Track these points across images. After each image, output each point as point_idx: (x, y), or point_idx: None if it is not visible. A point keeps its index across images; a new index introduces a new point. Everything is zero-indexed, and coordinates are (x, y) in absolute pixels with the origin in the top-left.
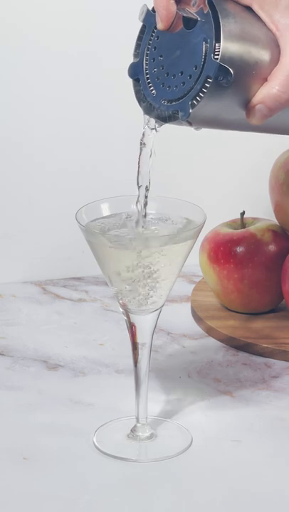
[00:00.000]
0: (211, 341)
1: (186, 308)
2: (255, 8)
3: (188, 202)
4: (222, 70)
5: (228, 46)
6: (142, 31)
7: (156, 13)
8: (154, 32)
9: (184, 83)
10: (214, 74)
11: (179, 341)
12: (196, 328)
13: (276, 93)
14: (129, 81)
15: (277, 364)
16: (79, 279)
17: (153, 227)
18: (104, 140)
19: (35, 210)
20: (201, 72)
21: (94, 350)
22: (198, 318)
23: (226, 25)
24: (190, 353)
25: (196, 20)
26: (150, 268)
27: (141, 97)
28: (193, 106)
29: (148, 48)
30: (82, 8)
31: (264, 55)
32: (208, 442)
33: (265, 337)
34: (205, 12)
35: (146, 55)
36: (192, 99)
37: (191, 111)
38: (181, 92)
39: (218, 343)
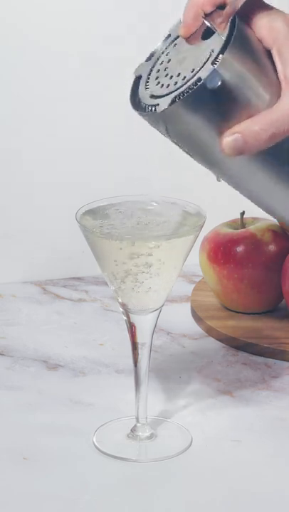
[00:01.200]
0: (211, 341)
1: (186, 308)
2: (274, 52)
3: (188, 201)
4: (213, 75)
5: (230, 62)
6: (166, 39)
7: (183, 20)
8: (173, 40)
9: (176, 83)
10: (206, 77)
11: (178, 341)
12: (196, 328)
13: (257, 130)
14: (130, 81)
15: (278, 364)
16: (79, 279)
17: (152, 224)
18: (104, 140)
19: (35, 210)
20: (194, 75)
21: (94, 350)
22: (198, 318)
23: (237, 46)
24: (190, 353)
25: (213, 32)
26: (150, 266)
27: (134, 93)
28: (172, 102)
29: (162, 52)
30: (82, 8)
31: (260, 96)
32: (208, 442)
33: (265, 337)
34: (224, 29)
35: (158, 59)
36: (175, 97)
37: (168, 106)
38: (170, 89)
39: (218, 343)
